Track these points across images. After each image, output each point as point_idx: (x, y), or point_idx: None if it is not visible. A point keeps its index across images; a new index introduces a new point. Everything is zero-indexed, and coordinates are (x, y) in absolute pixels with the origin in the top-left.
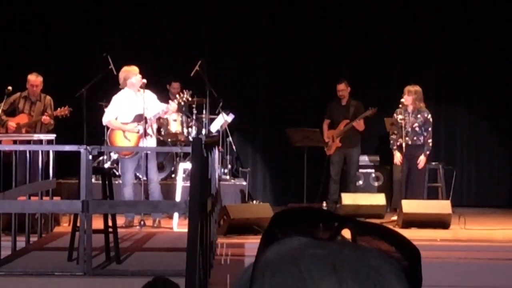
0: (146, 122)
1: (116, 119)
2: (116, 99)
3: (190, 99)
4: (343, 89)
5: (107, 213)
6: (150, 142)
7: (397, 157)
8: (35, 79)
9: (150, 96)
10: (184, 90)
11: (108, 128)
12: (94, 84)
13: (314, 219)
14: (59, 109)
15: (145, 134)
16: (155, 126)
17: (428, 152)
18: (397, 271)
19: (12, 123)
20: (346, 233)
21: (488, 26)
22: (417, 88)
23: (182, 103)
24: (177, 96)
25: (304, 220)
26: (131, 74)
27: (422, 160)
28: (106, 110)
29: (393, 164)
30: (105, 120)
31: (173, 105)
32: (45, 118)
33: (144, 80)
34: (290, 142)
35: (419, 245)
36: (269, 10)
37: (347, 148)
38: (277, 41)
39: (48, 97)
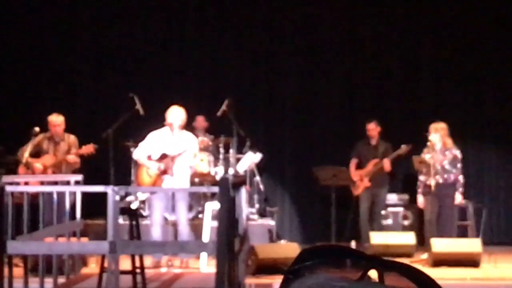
0: (172, 161)
1: (150, 155)
2: (151, 135)
3: (210, 143)
4: (372, 128)
5: (134, 254)
6: (180, 183)
7: (420, 202)
8: (55, 119)
9: (185, 136)
10: (206, 135)
11: (136, 163)
12: (121, 124)
13: (340, 256)
14: (84, 147)
15: (166, 172)
16: (181, 165)
17: (461, 189)
18: None
19: (38, 165)
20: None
21: None
22: (443, 125)
23: (202, 146)
24: (199, 139)
25: (331, 257)
26: (168, 114)
27: (458, 198)
28: (140, 144)
29: None
30: (135, 155)
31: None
32: (70, 158)
33: (171, 121)
34: (318, 181)
35: (449, 284)
36: (296, 48)
37: (375, 188)
38: (304, 80)
39: (72, 136)
